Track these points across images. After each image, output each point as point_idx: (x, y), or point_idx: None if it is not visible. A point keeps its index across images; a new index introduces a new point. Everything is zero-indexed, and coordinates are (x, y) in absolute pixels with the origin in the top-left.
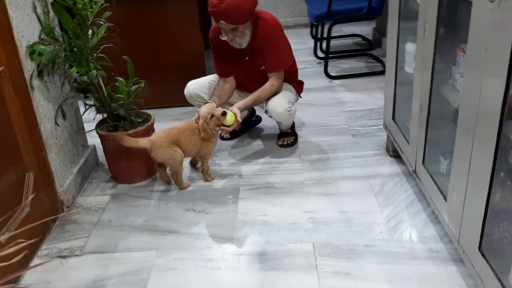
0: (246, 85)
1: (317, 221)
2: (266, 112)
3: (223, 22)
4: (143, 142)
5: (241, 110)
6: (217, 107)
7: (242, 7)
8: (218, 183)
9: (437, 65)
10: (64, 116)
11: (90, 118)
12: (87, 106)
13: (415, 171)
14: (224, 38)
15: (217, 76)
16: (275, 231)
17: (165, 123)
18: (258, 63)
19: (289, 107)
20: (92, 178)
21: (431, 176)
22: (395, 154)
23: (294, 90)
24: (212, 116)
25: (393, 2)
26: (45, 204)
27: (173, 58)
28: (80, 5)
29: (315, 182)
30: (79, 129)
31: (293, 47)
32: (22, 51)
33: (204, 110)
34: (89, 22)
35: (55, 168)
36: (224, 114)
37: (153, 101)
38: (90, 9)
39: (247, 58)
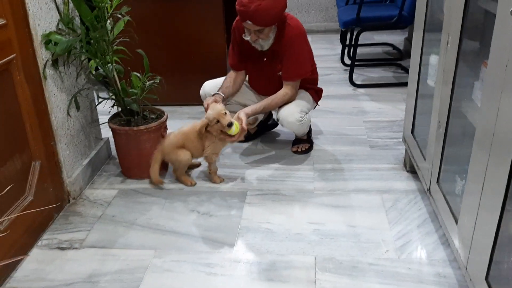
0: (262, 87)
1: (322, 234)
2: (277, 120)
3: (249, 22)
4: (157, 156)
5: (249, 116)
6: (225, 113)
7: (271, 10)
8: (225, 186)
9: (459, 79)
10: (77, 107)
11: (107, 110)
12: (99, 99)
13: (429, 190)
14: (247, 38)
15: (232, 68)
16: (277, 240)
17: (182, 121)
18: (277, 68)
19: (301, 117)
20: (103, 171)
21: (444, 196)
22: (412, 169)
23: (310, 98)
24: (218, 121)
25: (420, 12)
26: (50, 194)
27: (195, 56)
28: None
29: (325, 192)
30: (93, 121)
31: (321, 52)
32: (37, 40)
33: (211, 113)
34: (108, 15)
35: (63, 159)
36: (230, 125)
37: (171, 98)
38: (109, 2)
39: (265, 59)
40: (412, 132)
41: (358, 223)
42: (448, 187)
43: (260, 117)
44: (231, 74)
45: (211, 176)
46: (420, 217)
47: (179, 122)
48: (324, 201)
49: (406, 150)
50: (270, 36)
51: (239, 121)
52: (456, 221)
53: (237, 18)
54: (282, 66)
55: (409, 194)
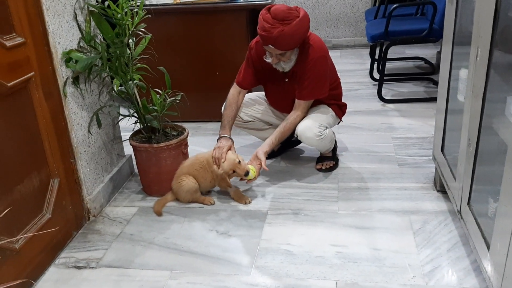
0: (283, 107)
1: (345, 257)
2: (296, 136)
3: (271, 46)
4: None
5: (268, 153)
6: (239, 162)
7: (295, 34)
8: (246, 205)
9: (491, 94)
10: (99, 125)
11: (131, 127)
12: (120, 117)
13: (460, 211)
14: (268, 60)
15: (239, 86)
16: (297, 263)
17: (206, 137)
18: (296, 87)
19: (320, 132)
20: (124, 188)
21: (475, 219)
22: (442, 189)
23: (333, 113)
24: (234, 171)
25: (448, 24)
26: (69, 212)
27: (219, 73)
28: (119, 15)
29: (349, 212)
30: (115, 138)
31: (350, 67)
32: (57, 58)
33: (226, 166)
34: (129, 33)
35: (84, 176)
36: (247, 174)
37: (195, 115)
38: (130, 20)
39: (286, 80)
40: (442, 149)
41: (383, 246)
42: (480, 209)
43: None
44: (234, 96)
45: (236, 199)
46: (451, 240)
47: (203, 139)
48: (348, 222)
49: (436, 168)
50: (292, 59)
51: (257, 161)
52: (488, 247)
53: (257, 38)
54: (298, 86)
55: (439, 215)
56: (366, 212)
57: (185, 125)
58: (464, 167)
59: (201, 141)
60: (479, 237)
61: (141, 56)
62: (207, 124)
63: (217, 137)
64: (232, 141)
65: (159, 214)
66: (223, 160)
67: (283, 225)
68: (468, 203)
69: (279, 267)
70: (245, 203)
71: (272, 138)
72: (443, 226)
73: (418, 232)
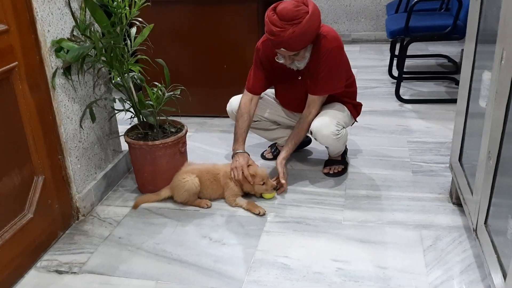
0: (293, 105)
1: (347, 275)
2: (310, 133)
3: (283, 49)
4: (165, 192)
5: (286, 160)
6: (263, 183)
7: (307, 33)
8: (244, 210)
9: None
10: (93, 119)
11: (129, 121)
12: (115, 111)
13: (475, 230)
14: (281, 61)
15: (251, 93)
16: (293, 279)
17: (210, 134)
18: (309, 83)
19: (337, 130)
20: (120, 186)
21: (492, 241)
22: (458, 201)
23: (348, 112)
24: (264, 183)
25: (472, 21)
26: (55, 211)
27: (227, 66)
28: (115, 2)
29: (355, 224)
30: (112, 133)
31: (368, 63)
32: (45, 47)
33: (261, 173)
34: (126, 22)
35: (73, 173)
36: (275, 188)
37: (201, 109)
38: (127, 8)
39: (299, 78)
40: (460, 159)
41: (389, 263)
42: (498, 229)
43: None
44: (245, 105)
45: (248, 208)
46: (464, 261)
47: (207, 136)
48: (352, 234)
49: (452, 178)
50: (306, 56)
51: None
52: (505, 276)
53: (263, 38)
54: (311, 80)
55: (453, 231)
56: (373, 224)
57: (190, 120)
58: (483, 181)
59: (205, 138)
60: (495, 263)
61: (143, 48)
62: (213, 119)
63: (220, 135)
64: (248, 154)
65: (135, 207)
66: (250, 180)
67: (282, 234)
68: (485, 222)
69: (273, 282)
70: (259, 214)
71: (290, 145)
72: (457, 244)
73: (429, 249)
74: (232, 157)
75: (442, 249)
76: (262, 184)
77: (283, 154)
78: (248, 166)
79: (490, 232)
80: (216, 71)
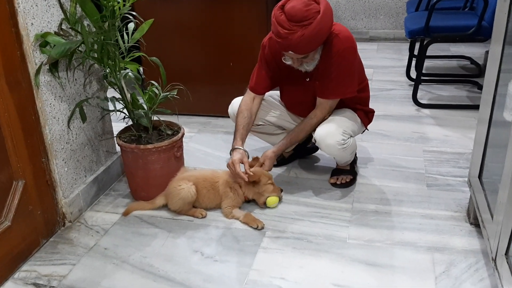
0: (300, 109)
1: None
2: (314, 141)
3: (291, 52)
4: (159, 200)
5: (277, 155)
6: (270, 183)
7: (317, 35)
8: (241, 223)
9: None
10: (83, 119)
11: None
12: (104, 112)
13: (494, 260)
14: (288, 62)
15: (253, 92)
16: None
17: (213, 135)
18: (318, 86)
19: (343, 140)
20: (112, 189)
21: None
22: (476, 222)
23: (358, 119)
24: (272, 184)
25: (499, 20)
26: (37, 218)
27: (234, 64)
28: None
29: (361, 243)
30: (105, 133)
31: (386, 63)
32: (28, 41)
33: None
34: (119, 16)
35: (59, 177)
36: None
37: (206, 108)
38: (121, 1)
39: (307, 80)
40: (480, 175)
41: None
42: None
43: None
44: (246, 103)
45: (246, 221)
46: None
47: (211, 137)
48: (357, 255)
49: (471, 196)
50: (316, 58)
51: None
52: None
53: (270, 34)
54: (319, 82)
55: (469, 256)
56: (381, 244)
57: (193, 119)
58: (506, 206)
59: (207, 140)
60: None
61: (145, 44)
62: (218, 119)
63: (224, 137)
64: (246, 151)
65: (125, 214)
66: (243, 177)
67: (280, 252)
68: (507, 252)
69: None
70: (257, 227)
71: (284, 141)
72: (473, 272)
73: (442, 276)
74: (230, 154)
75: (456, 276)
76: (269, 184)
77: (274, 148)
78: (250, 164)
79: (511, 264)
80: (222, 69)
